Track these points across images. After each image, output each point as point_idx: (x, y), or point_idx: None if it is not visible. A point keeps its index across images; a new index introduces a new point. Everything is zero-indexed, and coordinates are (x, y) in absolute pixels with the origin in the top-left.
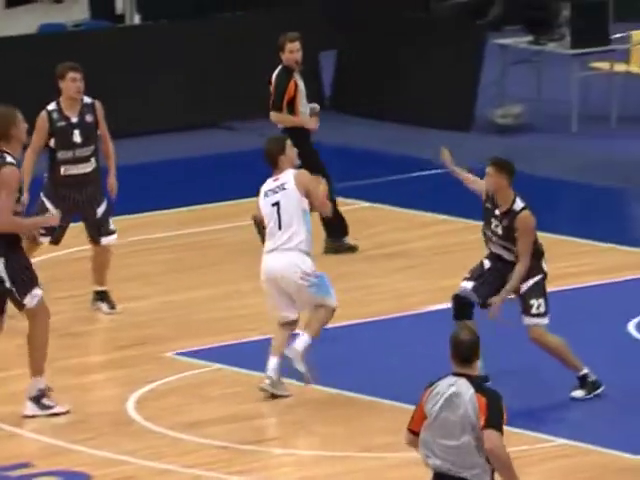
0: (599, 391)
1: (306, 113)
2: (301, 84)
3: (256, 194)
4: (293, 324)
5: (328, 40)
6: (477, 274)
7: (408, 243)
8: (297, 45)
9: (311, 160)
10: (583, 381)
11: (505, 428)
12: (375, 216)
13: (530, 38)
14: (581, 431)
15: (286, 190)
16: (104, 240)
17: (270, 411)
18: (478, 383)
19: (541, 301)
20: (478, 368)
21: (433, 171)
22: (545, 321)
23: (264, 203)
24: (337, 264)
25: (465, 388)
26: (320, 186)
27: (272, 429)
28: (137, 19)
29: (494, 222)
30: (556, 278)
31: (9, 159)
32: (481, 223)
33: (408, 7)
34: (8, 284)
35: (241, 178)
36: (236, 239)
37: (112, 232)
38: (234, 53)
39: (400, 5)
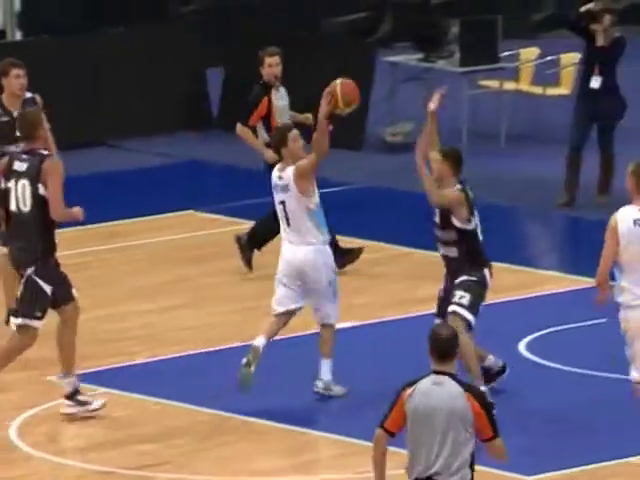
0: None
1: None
2: (280, 101)
3: (146, 214)
4: (293, 313)
5: (216, 57)
6: (440, 306)
7: None
8: (277, 59)
9: None
10: None
11: None
12: None
13: (420, 55)
14: None
15: (289, 192)
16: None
17: (157, 435)
18: (463, 382)
19: (467, 295)
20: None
21: (324, 190)
22: (464, 314)
23: (274, 195)
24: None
25: (452, 383)
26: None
27: (159, 454)
28: (18, 35)
29: (434, 216)
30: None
31: (46, 152)
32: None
33: (298, 24)
34: (49, 291)
35: (126, 198)
36: (122, 259)
37: None
38: (117, 69)
39: (291, 22)
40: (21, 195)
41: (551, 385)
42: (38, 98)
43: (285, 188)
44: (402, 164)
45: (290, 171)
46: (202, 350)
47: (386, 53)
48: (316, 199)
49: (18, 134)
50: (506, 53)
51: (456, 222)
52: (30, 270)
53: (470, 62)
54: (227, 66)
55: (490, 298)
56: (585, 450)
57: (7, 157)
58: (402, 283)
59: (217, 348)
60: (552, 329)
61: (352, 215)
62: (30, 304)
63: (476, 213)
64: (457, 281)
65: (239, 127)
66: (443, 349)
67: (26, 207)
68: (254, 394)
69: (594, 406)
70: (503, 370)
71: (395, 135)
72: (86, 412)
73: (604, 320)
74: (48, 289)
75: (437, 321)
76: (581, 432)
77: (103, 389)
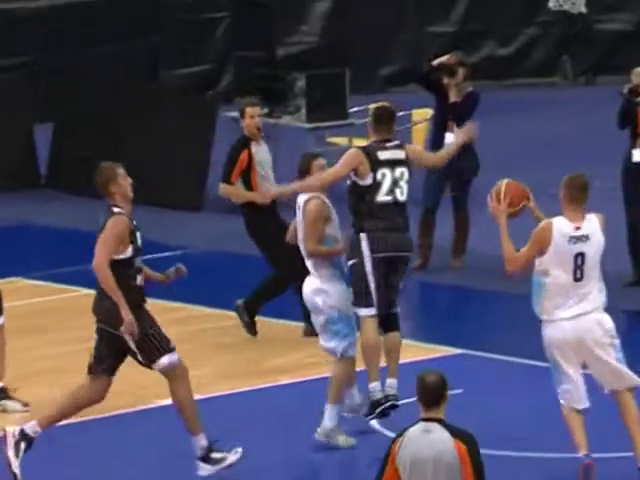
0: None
1: (266, 185)
2: (262, 154)
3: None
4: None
5: (45, 113)
6: None
7: None
8: (257, 110)
9: (276, 241)
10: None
11: None
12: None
13: (264, 111)
14: None
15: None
16: None
17: None
18: (452, 427)
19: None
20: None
21: (161, 254)
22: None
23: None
24: None
25: (439, 431)
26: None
27: None
28: None
29: None
30: (296, 369)
31: (116, 210)
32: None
33: (135, 76)
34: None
35: None
36: None
37: None
38: None
39: (127, 74)
40: None
41: None
42: None
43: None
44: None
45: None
46: None
47: (228, 108)
48: None
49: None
50: (355, 108)
51: None
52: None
53: (317, 118)
54: (55, 123)
55: None
56: None
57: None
58: (251, 352)
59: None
60: (406, 400)
61: (193, 281)
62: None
63: None
64: None
65: (222, 187)
66: (430, 396)
67: None
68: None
69: None
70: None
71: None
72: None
73: (460, 391)
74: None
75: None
76: None
77: None
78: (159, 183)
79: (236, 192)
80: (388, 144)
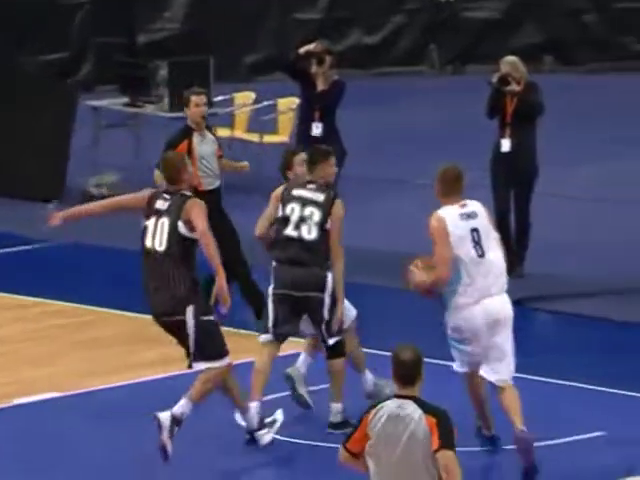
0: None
1: (210, 176)
2: (203, 146)
3: None
4: None
5: None
6: None
7: None
8: (203, 98)
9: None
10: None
11: None
12: None
13: (125, 100)
14: None
15: None
16: None
17: None
18: (425, 404)
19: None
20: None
21: (19, 247)
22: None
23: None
24: None
25: (412, 409)
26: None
27: None
28: None
29: None
30: (161, 364)
31: (189, 193)
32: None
33: None
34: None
35: None
36: None
37: None
38: None
39: None
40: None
41: None
42: None
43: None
44: (107, 219)
45: None
46: None
47: (88, 97)
48: None
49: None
50: (219, 98)
51: None
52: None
53: (180, 107)
54: None
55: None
56: None
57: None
58: (113, 348)
59: None
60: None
61: (51, 275)
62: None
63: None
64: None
65: (155, 173)
66: (406, 373)
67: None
68: None
69: None
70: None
71: (99, 186)
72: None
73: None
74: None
75: None
76: None
77: None
78: (16, 173)
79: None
80: (309, 186)
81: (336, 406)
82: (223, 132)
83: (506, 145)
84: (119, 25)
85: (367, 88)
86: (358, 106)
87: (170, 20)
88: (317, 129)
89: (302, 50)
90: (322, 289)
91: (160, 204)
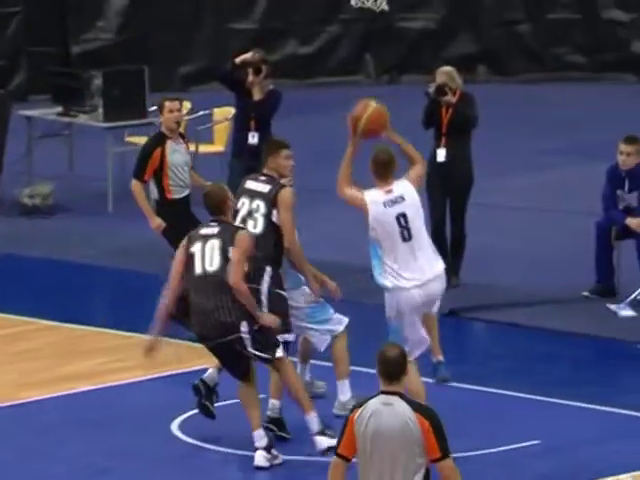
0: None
1: (180, 186)
2: (176, 155)
3: None
4: None
5: None
6: None
7: None
8: (177, 104)
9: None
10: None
11: None
12: None
13: (59, 109)
14: None
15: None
16: None
17: None
18: (412, 401)
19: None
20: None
21: None
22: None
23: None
24: None
25: (401, 404)
26: None
27: None
28: None
29: None
30: (94, 375)
31: (238, 225)
32: None
33: None
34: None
35: None
36: None
37: None
38: None
39: None
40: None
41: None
42: None
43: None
44: (40, 229)
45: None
46: None
47: (21, 106)
48: None
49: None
50: (155, 107)
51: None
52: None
53: (115, 117)
54: None
55: (144, 375)
56: None
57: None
58: (47, 360)
59: None
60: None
61: None
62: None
63: None
64: None
65: (133, 182)
66: (391, 369)
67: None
68: None
69: None
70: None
71: (32, 197)
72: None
73: None
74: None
75: None
76: None
77: None
78: None
79: (138, 197)
80: (260, 178)
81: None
82: None
83: (441, 155)
84: (52, 34)
85: (302, 98)
86: (294, 116)
87: (104, 29)
88: (253, 138)
89: (238, 59)
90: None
91: (205, 231)
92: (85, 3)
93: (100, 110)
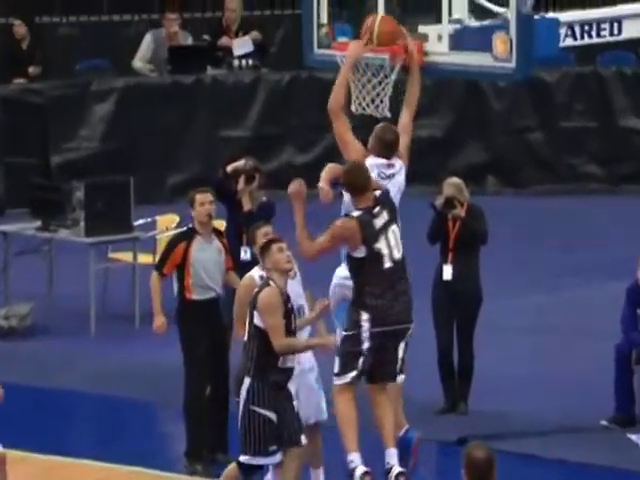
0: None
1: (204, 287)
2: (204, 254)
3: None
4: None
5: None
6: None
7: None
8: (208, 197)
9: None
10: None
11: None
12: None
13: (38, 224)
14: None
15: None
16: None
17: None
18: None
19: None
20: None
21: None
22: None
23: None
24: None
25: None
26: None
27: None
28: None
29: None
30: None
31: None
32: None
33: None
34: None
35: None
36: None
37: None
38: None
39: None
40: None
41: None
42: None
43: None
44: (17, 352)
45: None
46: None
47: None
48: None
49: None
50: (141, 221)
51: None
52: None
53: (98, 231)
54: None
55: None
56: None
57: None
58: None
59: None
60: None
61: None
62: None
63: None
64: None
65: (153, 274)
66: (479, 474)
67: None
68: None
69: None
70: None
71: (8, 318)
72: None
73: None
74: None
75: None
76: None
77: None
78: None
79: (152, 290)
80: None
81: None
82: (145, 258)
83: (448, 272)
84: (31, 143)
85: None
86: (290, 231)
87: (87, 138)
88: (245, 254)
89: (229, 168)
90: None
91: (378, 220)
92: (66, 110)
93: (82, 224)
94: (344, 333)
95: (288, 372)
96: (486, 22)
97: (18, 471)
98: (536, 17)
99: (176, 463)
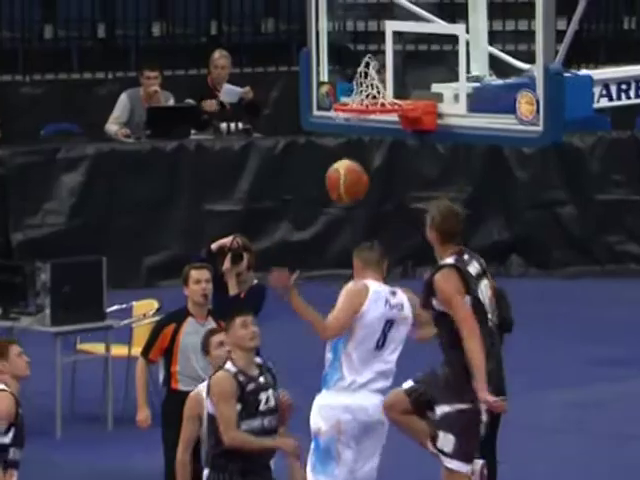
0: None
1: (192, 377)
2: (195, 338)
3: None
4: None
5: None
6: None
7: None
8: (206, 273)
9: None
10: None
11: None
12: None
13: None
14: None
15: None
16: None
17: None
18: None
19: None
20: None
21: None
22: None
23: None
24: None
25: None
26: None
27: None
28: None
29: None
30: None
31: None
32: None
33: None
34: None
35: None
36: None
37: None
38: None
39: None
40: None
41: None
42: None
43: None
44: None
45: None
46: None
47: None
48: None
49: None
50: (114, 307)
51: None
52: None
53: (66, 320)
54: None
55: None
56: None
57: None
58: None
59: None
60: None
61: None
62: None
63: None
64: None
65: (139, 362)
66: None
67: None
68: None
69: None
70: None
71: None
72: None
73: None
74: None
75: None
76: None
77: None
78: None
79: (137, 378)
80: None
81: None
82: (120, 350)
83: None
84: None
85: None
86: (285, 314)
87: (53, 213)
88: None
89: (214, 246)
90: None
91: (474, 269)
92: (30, 181)
93: (47, 312)
94: (459, 406)
95: (256, 458)
96: (509, 80)
97: None
98: (566, 74)
99: None
